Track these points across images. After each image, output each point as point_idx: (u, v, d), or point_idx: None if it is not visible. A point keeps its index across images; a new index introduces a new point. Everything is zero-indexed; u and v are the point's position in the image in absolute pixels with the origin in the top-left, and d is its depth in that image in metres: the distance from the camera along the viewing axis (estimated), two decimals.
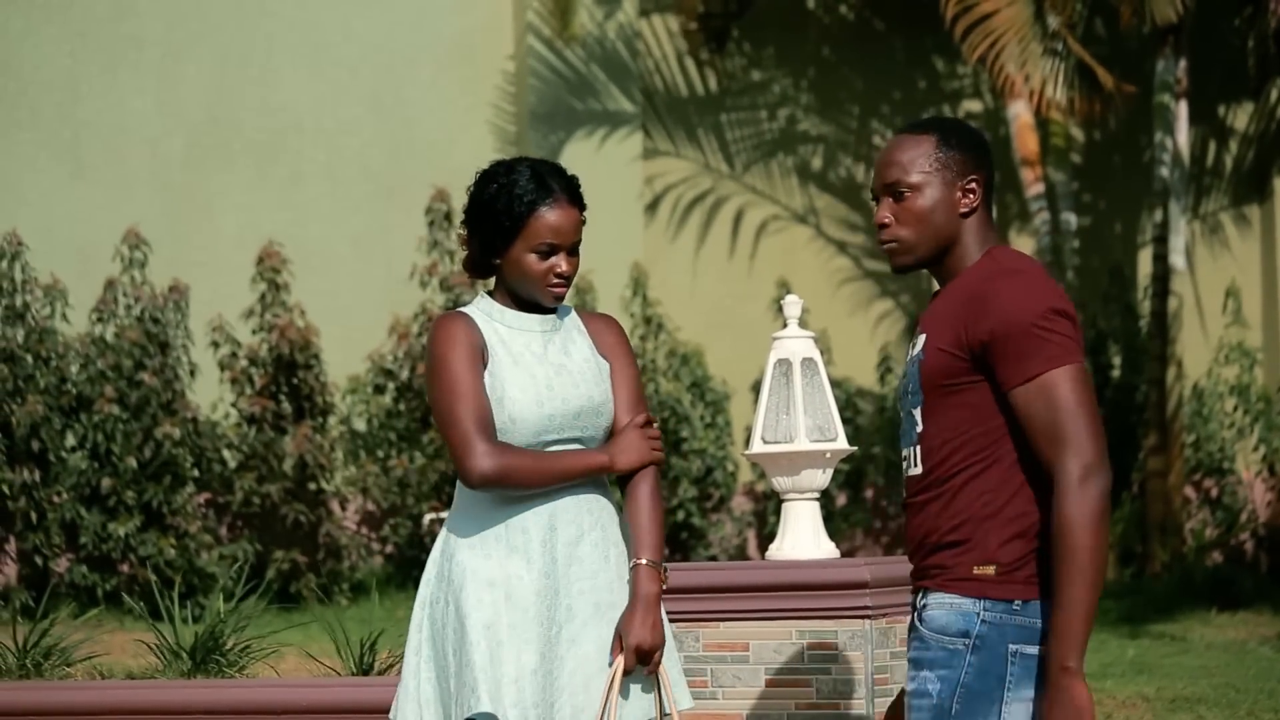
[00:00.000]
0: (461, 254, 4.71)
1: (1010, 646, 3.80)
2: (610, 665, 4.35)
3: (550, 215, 4.43)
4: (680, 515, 15.11)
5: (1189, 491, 16.06)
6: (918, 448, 3.95)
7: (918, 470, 3.95)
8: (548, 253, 4.44)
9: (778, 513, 7.39)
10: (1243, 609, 13.14)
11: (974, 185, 3.97)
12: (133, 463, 13.27)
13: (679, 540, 15.20)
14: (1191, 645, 11.57)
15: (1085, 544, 3.72)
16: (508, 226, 4.43)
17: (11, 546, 13.43)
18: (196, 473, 13.76)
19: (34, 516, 13.22)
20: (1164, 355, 15.35)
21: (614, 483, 4.58)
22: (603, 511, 4.48)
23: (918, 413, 3.95)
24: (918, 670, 3.90)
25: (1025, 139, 15.38)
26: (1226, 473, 16.21)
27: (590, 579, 4.41)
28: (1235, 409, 16.31)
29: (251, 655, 7.36)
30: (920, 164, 3.98)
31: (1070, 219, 15.84)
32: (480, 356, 4.43)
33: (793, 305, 6.48)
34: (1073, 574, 3.72)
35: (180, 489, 13.46)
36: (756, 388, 15.57)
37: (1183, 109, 15.43)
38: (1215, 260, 17.51)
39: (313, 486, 14.06)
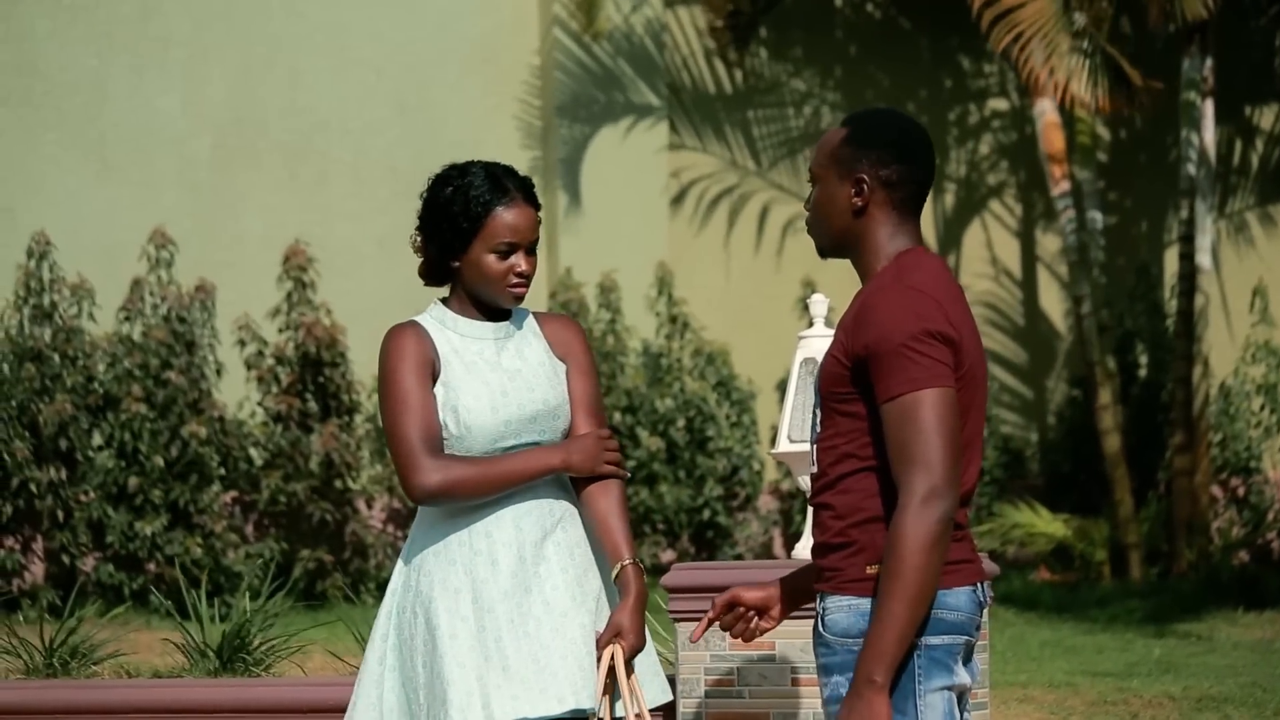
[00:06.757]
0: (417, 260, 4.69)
1: (913, 639, 3.78)
2: (599, 658, 4.37)
3: (508, 215, 4.46)
4: (706, 514, 15.10)
5: (1215, 490, 16.02)
6: (815, 447, 3.97)
7: (815, 469, 3.97)
8: (507, 252, 4.46)
9: (803, 511, 7.39)
10: (1269, 608, 13.08)
11: (863, 181, 3.91)
12: (159, 462, 13.31)
13: (704, 539, 15.19)
14: (1218, 644, 11.54)
15: (915, 563, 3.69)
16: (465, 228, 4.46)
17: (39, 545, 13.47)
18: (223, 471, 13.79)
19: (61, 515, 13.27)
20: (1190, 354, 15.31)
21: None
22: (564, 512, 4.47)
23: (818, 413, 3.97)
24: (828, 676, 3.89)
25: (1051, 137, 15.33)
26: (1253, 472, 16.17)
27: (561, 574, 4.41)
28: (1262, 408, 16.26)
29: (278, 654, 7.38)
30: (822, 156, 3.97)
31: (1097, 217, 15.80)
32: (430, 368, 4.46)
33: (819, 304, 6.45)
34: (896, 590, 3.70)
35: (207, 488, 13.49)
36: (782, 386, 15.59)
37: (1209, 108, 15.38)
38: (1241, 259, 17.46)
39: (339, 485, 14.08)
